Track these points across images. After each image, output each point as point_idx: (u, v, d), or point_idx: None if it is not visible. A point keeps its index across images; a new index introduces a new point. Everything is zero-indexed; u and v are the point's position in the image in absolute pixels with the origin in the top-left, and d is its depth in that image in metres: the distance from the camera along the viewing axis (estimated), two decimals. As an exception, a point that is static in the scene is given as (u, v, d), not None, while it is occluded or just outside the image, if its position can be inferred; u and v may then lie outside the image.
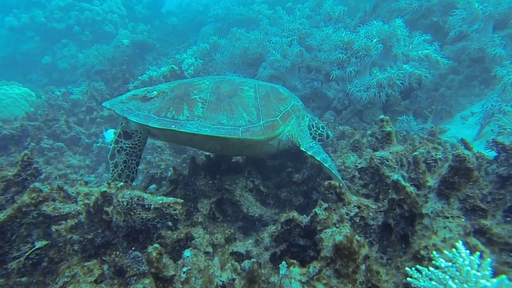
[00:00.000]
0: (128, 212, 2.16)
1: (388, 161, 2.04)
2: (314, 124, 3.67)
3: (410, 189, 1.58)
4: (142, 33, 14.19)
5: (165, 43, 14.19)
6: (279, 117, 3.17)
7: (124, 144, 3.29)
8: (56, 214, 2.10)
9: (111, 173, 3.25)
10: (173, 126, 2.95)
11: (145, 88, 3.49)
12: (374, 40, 5.35)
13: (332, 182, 1.98)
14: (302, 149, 3.13)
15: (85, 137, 6.13)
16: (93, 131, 6.27)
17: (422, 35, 5.71)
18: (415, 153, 1.72)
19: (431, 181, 1.67)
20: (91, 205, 2.28)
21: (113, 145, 3.29)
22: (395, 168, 2.04)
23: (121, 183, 2.19)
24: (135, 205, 2.13)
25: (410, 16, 6.60)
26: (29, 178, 2.46)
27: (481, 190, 1.99)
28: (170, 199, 2.22)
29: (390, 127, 2.29)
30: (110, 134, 5.95)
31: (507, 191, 1.92)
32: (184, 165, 4.92)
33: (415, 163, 1.67)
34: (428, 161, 2.25)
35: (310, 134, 3.60)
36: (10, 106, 7.59)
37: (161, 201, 2.18)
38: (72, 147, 6.00)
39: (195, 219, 2.81)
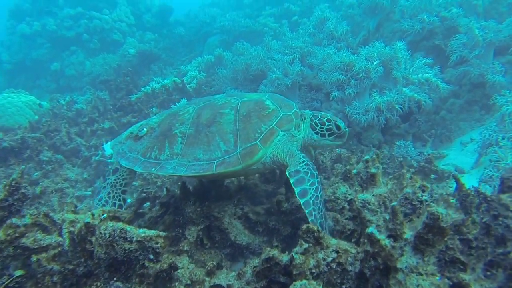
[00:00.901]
0: (110, 244, 2.17)
1: (370, 205, 2.03)
2: (317, 121, 3.22)
3: (385, 242, 1.57)
4: (149, 42, 14.40)
5: (171, 53, 14.37)
6: (259, 139, 2.93)
7: (110, 179, 3.39)
8: (36, 247, 2.11)
9: (95, 206, 3.35)
10: (153, 169, 2.97)
11: (140, 124, 3.56)
12: (375, 63, 5.35)
13: (310, 226, 1.97)
14: (287, 174, 2.81)
15: (85, 149, 6.20)
16: (93, 143, 6.34)
17: (423, 58, 5.70)
18: (393, 203, 1.70)
19: (408, 233, 1.65)
20: (75, 233, 2.30)
21: (102, 184, 3.43)
22: (377, 211, 2.03)
23: (105, 215, 2.20)
24: (117, 237, 2.14)
25: (412, 38, 6.60)
26: (15, 203, 2.49)
27: (466, 235, 1.97)
28: (153, 232, 2.22)
29: (375, 168, 2.28)
30: (109, 147, 6.02)
31: (489, 242, 1.89)
32: (179, 183, 4.94)
33: (393, 213, 1.66)
34: (413, 202, 2.23)
35: (317, 133, 3.23)
36: (15, 115, 7.72)
37: (143, 234, 2.19)
38: (72, 158, 6.07)
39: (181, 247, 2.81)
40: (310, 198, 2.62)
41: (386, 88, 5.45)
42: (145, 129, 3.31)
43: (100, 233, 2.07)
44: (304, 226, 1.95)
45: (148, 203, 3.94)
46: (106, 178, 3.47)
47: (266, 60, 7.04)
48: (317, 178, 2.71)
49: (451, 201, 2.49)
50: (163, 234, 2.25)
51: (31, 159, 5.26)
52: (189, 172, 2.86)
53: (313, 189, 2.65)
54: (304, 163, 2.83)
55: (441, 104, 6.22)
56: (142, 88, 8.45)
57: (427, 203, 2.25)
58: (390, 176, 4.37)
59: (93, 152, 6.07)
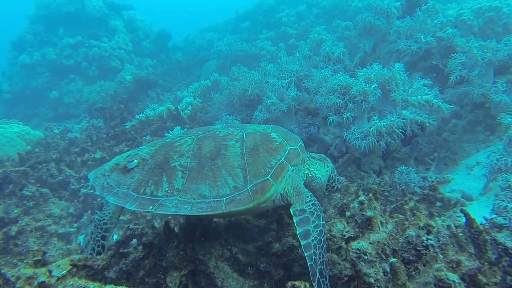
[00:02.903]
0: (70, 305, 1.89)
1: (366, 255, 1.74)
2: (334, 175, 3.39)
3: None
4: (147, 68, 14.48)
5: (169, 78, 14.40)
6: (270, 175, 2.74)
7: (97, 215, 3.09)
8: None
9: (84, 243, 3.04)
10: (150, 207, 2.62)
11: (128, 154, 3.21)
12: (373, 86, 5.16)
13: (297, 284, 1.68)
14: (291, 211, 2.64)
15: (75, 180, 5.96)
16: (83, 174, 6.10)
17: (422, 79, 5.50)
18: (392, 260, 1.43)
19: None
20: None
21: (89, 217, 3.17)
22: (375, 262, 1.74)
23: (64, 272, 1.93)
24: (78, 298, 1.86)
25: (410, 58, 6.46)
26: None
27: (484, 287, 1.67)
28: (121, 290, 1.94)
29: (372, 211, 2.00)
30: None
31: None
32: (169, 217, 4.65)
33: (393, 272, 1.39)
34: (417, 248, 1.94)
35: (327, 187, 3.33)
36: (5, 146, 7.55)
37: (109, 293, 1.90)
38: (60, 191, 5.81)
39: (159, 300, 2.49)
40: (312, 241, 2.39)
41: (386, 111, 5.23)
42: (135, 161, 2.97)
43: (56, 295, 1.79)
44: (289, 284, 1.66)
45: (135, 240, 3.66)
46: (95, 211, 3.20)
47: (261, 84, 6.88)
48: (322, 220, 2.50)
49: (460, 234, 2.19)
50: (132, 291, 1.96)
51: (14, 194, 5.01)
52: (194, 211, 2.55)
53: (316, 231, 2.43)
54: (311, 202, 2.65)
55: (442, 125, 5.98)
56: (136, 116, 8.31)
57: (433, 248, 1.96)
58: (392, 206, 4.08)
59: (82, 184, 5.82)
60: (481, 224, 2.78)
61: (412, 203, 4.26)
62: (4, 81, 15.77)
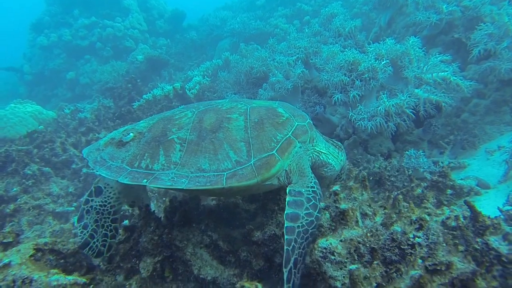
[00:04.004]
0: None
1: (334, 255, 1.48)
2: (345, 165, 3.31)
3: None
4: (161, 47, 14.32)
5: (183, 57, 14.20)
6: (275, 149, 2.55)
7: (95, 202, 2.84)
8: None
9: (80, 237, 2.76)
10: (144, 180, 2.46)
11: (124, 128, 3.05)
12: (383, 62, 4.72)
13: (246, 285, 1.47)
14: (287, 190, 2.43)
15: (78, 160, 5.97)
16: (86, 154, 6.10)
17: (440, 54, 4.98)
18: (352, 266, 1.17)
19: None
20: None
21: (82, 205, 2.85)
22: (344, 263, 1.48)
23: (6, 260, 1.80)
24: None
25: (428, 32, 5.88)
26: None
27: None
28: (69, 279, 1.81)
29: (346, 205, 1.71)
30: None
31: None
32: (164, 198, 4.55)
33: (351, 282, 1.14)
34: (402, 246, 1.67)
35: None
36: (17, 125, 7.70)
37: (55, 283, 1.77)
38: (64, 170, 5.86)
39: (127, 286, 2.37)
40: (298, 227, 2.16)
41: (397, 90, 4.80)
42: (131, 134, 2.82)
43: (-4, 284, 1.68)
44: (238, 285, 1.45)
45: (127, 221, 3.57)
46: (87, 198, 2.86)
47: (267, 61, 6.54)
48: (317, 212, 2.22)
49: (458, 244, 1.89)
50: (81, 281, 1.83)
51: (17, 173, 5.06)
52: (192, 185, 2.40)
53: (307, 220, 2.18)
54: (312, 189, 2.42)
55: (462, 106, 5.46)
56: (144, 96, 8.22)
57: (420, 247, 1.69)
58: (395, 193, 3.75)
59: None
60: (495, 217, 2.43)
61: (419, 190, 3.92)
62: (25, 62, 16.16)
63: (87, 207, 2.85)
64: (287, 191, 2.43)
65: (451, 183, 3.73)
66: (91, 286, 2.08)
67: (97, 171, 2.65)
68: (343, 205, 1.68)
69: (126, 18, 14.71)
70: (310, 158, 2.83)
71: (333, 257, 1.49)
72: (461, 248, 1.67)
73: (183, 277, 2.75)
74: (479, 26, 5.17)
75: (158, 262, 2.65)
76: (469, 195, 3.83)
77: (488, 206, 3.59)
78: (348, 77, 4.83)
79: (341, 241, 1.55)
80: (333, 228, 1.76)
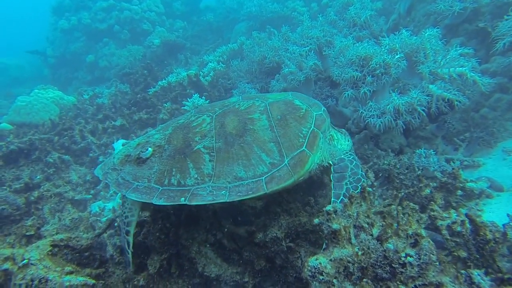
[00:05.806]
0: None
1: (322, 275, 1.55)
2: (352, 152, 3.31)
3: None
4: (178, 30, 14.26)
5: (199, 40, 14.14)
6: (304, 145, 2.59)
7: (121, 210, 2.92)
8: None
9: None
10: (182, 199, 2.39)
11: (137, 142, 2.91)
12: (397, 56, 4.58)
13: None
14: (332, 167, 2.77)
15: (96, 147, 6.22)
16: (104, 142, 6.34)
17: (461, 47, 4.76)
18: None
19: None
20: None
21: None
22: (331, 283, 1.55)
23: (25, 261, 1.99)
24: None
25: (450, 21, 5.60)
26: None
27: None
28: (80, 280, 1.98)
29: (337, 224, 1.76)
30: (119, 145, 5.94)
31: None
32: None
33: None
34: (393, 264, 1.73)
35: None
36: (41, 111, 8.02)
37: (68, 283, 1.94)
38: (83, 157, 6.13)
39: (135, 282, 2.55)
40: (346, 184, 2.57)
41: (411, 85, 4.67)
42: (149, 149, 2.68)
43: (15, 284, 1.86)
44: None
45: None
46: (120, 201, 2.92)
47: (280, 52, 6.46)
48: (361, 171, 2.69)
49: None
50: (91, 282, 2.00)
51: (40, 160, 5.36)
52: (234, 196, 2.37)
53: (353, 178, 2.64)
54: (348, 153, 2.86)
55: (482, 100, 5.26)
56: (159, 82, 8.31)
57: (411, 267, 1.74)
58: (403, 193, 3.74)
59: (101, 152, 6.07)
60: (503, 225, 2.38)
61: (427, 191, 3.89)
62: (48, 45, 16.55)
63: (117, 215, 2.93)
64: (332, 166, 2.74)
65: (461, 185, 3.68)
66: (101, 281, 2.25)
67: (127, 195, 2.52)
68: (334, 225, 1.72)
69: (144, 0, 14.68)
70: (328, 142, 3.03)
71: (321, 277, 1.56)
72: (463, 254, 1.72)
73: (189, 273, 2.92)
74: (508, 15, 4.86)
75: (165, 259, 2.82)
76: (480, 198, 3.78)
77: (499, 211, 3.53)
78: (360, 73, 4.72)
79: (330, 260, 1.62)
80: (324, 247, 1.82)
